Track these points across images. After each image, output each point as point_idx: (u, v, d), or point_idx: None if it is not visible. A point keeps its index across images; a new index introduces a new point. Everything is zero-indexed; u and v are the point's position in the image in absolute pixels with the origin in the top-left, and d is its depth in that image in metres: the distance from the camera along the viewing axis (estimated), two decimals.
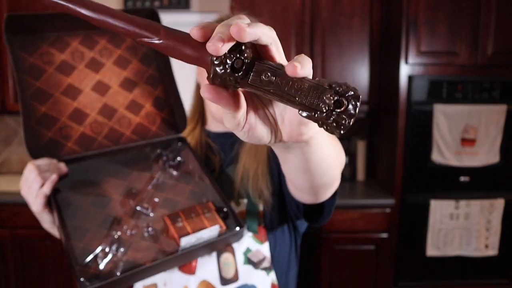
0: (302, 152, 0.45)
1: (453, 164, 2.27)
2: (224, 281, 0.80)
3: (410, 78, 2.24)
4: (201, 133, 0.96)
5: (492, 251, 2.32)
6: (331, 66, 2.49)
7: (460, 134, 2.24)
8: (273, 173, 0.89)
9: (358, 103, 0.31)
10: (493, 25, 2.21)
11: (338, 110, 0.31)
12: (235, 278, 0.81)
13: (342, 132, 0.32)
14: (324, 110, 0.31)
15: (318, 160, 0.50)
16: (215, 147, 0.93)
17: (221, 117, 0.89)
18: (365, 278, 2.43)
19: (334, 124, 0.32)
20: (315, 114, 0.32)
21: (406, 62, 2.24)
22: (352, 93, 0.31)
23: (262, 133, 0.37)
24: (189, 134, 0.96)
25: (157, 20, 0.88)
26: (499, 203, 2.29)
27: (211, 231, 0.72)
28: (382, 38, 2.50)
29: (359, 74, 2.52)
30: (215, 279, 0.80)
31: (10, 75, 2.54)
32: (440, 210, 2.28)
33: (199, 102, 0.99)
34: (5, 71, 2.53)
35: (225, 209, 0.78)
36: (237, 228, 0.76)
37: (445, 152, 2.26)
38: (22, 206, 2.36)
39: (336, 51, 2.49)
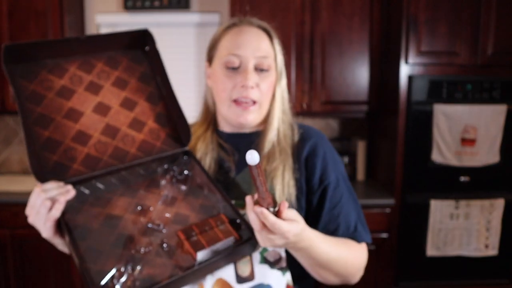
0: (299, 256, 0.77)
1: (453, 164, 2.27)
2: (240, 279, 0.80)
3: (410, 78, 2.24)
4: (213, 135, 0.95)
5: (492, 251, 2.32)
6: (331, 66, 2.49)
7: (460, 134, 2.24)
8: (299, 180, 0.89)
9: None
10: (493, 25, 2.21)
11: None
12: (251, 277, 0.80)
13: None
14: None
15: (317, 264, 0.79)
16: (229, 148, 0.93)
17: (232, 120, 0.90)
18: (365, 278, 2.42)
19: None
20: None
21: (406, 62, 2.24)
22: None
23: None
24: (201, 136, 0.96)
25: (151, 39, 0.89)
26: (499, 203, 2.29)
27: (226, 243, 0.72)
28: (382, 38, 2.50)
29: (359, 74, 2.52)
30: (231, 277, 0.80)
31: None
32: (440, 210, 2.28)
33: (210, 105, 0.98)
34: None
35: (238, 220, 0.78)
36: (252, 239, 0.76)
37: (445, 152, 2.26)
38: (22, 206, 2.36)
39: (336, 51, 2.49)
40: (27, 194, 2.55)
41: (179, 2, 2.73)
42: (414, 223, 2.33)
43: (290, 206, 0.85)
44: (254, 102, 0.88)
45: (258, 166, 0.61)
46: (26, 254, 2.42)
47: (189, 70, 2.83)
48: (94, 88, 0.84)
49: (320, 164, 0.90)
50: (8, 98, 2.55)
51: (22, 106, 0.76)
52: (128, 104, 0.86)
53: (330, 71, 2.49)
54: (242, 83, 0.86)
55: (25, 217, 2.51)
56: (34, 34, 2.51)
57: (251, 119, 0.88)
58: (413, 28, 2.21)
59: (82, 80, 0.83)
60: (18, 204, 2.36)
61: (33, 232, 2.47)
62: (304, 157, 0.90)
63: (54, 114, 0.79)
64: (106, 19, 2.81)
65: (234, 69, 0.88)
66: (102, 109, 0.84)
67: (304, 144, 0.91)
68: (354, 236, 0.88)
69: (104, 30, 2.84)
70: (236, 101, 0.87)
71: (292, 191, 0.86)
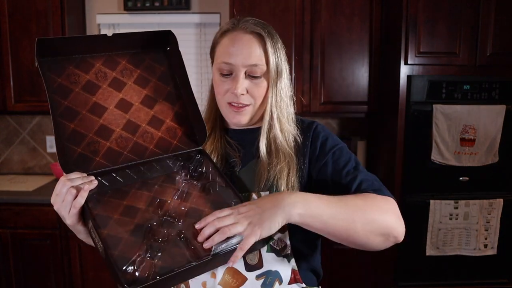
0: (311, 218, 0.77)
1: (452, 164, 2.28)
2: (249, 267, 0.85)
3: (410, 78, 2.25)
4: (220, 132, 1.01)
5: (491, 251, 2.33)
6: (330, 66, 2.50)
7: (459, 134, 2.25)
8: (302, 170, 0.94)
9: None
10: (492, 26, 2.22)
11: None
12: (259, 265, 0.85)
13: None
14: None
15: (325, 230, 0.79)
16: (234, 144, 0.98)
17: (229, 120, 0.97)
18: (365, 278, 2.44)
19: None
20: None
21: (406, 62, 2.25)
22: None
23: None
24: (209, 134, 1.00)
25: (174, 41, 0.93)
26: (498, 203, 2.29)
27: (239, 237, 0.76)
28: (382, 38, 2.50)
29: (359, 74, 2.52)
30: (240, 266, 0.84)
31: (11, 75, 2.54)
32: (439, 210, 2.29)
33: (215, 102, 1.02)
34: (7, 71, 2.54)
35: None
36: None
37: (444, 152, 2.26)
38: (22, 206, 2.37)
39: (336, 51, 2.50)
40: (28, 194, 2.56)
41: (179, 2, 2.74)
42: (414, 223, 2.34)
43: (294, 188, 0.91)
44: (247, 105, 0.93)
45: None
46: (27, 254, 2.43)
47: (189, 70, 2.82)
48: (117, 85, 0.88)
49: (320, 140, 0.96)
50: (9, 98, 2.56)
51: (50, 98, 0.80)
52: (148, 102, 0.91)
53: (330, 71, 2.50)
54: (232, 90, 0.91)
55: (26, 217, 2.52)
56: (35, 35, 2.51)
57: (244, 120, 0.94)
58: (413, 28, 2.21)
59: (107, 76, 0.87)
60: (18, 204, 2.37)
61: (34, 232, 2.49)
62: (308, 150, 0.95)
63: (80, 108, 0.83)
64: (107, 19, 2.82)
65: (226, 76, 0.92)
66: (124, 105, 0.88)
67: (306, 140, 0.96)
68: (368, 190, 0.86)
69: (104, 31, 2.85)
70: (230, 104, 0.93)
71: (298, 179, 0.92)
